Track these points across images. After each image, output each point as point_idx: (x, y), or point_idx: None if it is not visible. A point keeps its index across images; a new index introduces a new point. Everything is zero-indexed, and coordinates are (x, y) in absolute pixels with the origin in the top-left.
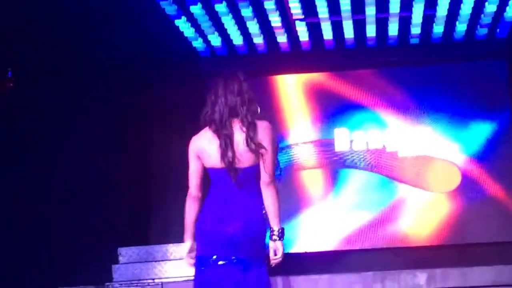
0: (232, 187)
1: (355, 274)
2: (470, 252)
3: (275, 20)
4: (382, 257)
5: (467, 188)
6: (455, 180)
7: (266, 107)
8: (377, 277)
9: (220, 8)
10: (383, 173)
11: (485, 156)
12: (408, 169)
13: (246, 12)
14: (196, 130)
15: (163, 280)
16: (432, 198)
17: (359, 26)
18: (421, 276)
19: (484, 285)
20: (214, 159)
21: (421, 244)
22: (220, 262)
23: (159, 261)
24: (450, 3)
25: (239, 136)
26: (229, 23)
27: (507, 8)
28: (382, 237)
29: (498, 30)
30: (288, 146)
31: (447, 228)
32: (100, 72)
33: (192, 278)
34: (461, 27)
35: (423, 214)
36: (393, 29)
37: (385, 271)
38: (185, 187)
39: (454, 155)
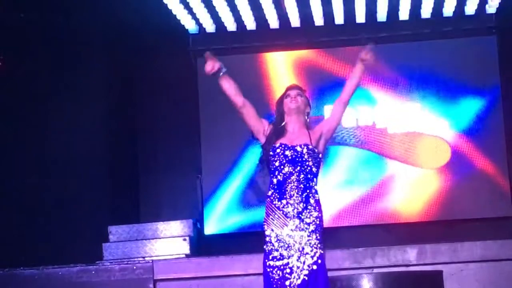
0: None
1: (345, 250)
2: (460, 227)
3: None
4: (372, 233)
5: (457, 164)
6: (445, 156)
7: (255, 85)
8: (367, 253)
9: None
10: (373, 149)
11: (475, 131)
12: (398, 146)
13: None
14: (186, 107)
15: (154, 258)
16: (422, 174)
17: (348, 2)
18: (411, 252)
19: (473, 260)
20: None
21: (411, 220)
22: None
23: (149, 239)
24: None
25: None
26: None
27: None
28: (372, 214)
29: (487, 5)
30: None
31: (437, 204)
32: (88, 49)
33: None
34: (450, 2)
35: (413, 190)
36: (382, 5)
37: (375, 247)
38: (176, 165)
39: (443, 131)
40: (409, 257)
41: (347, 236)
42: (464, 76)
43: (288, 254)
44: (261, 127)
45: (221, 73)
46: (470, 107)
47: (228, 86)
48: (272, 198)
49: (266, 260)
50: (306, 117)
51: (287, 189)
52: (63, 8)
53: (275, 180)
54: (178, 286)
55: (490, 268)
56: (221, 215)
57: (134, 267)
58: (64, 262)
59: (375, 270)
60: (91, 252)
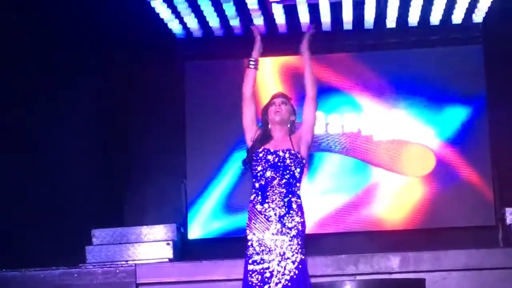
0: None
1: (328, 257)
2: (444, 236)
3: (251, 2)
4: (356, 240)
5: (442, 172)
6: (430, 164)
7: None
8: (350, 260)
9: None
10: (358, 156)
11: (460, 140)
12: (383, 153)
13: None
14: (172, 112)
15: (137, 262)
16: (406, 182)
17: (336, 9)
18: (394, 260)
19: (456, 269)
20: None
21: (395, 228)
22: None
23: (132, 243)
24: None
25: None
26: (205, 4)
27: None
28: (356, 221)
29: (474, 15)
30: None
31: (421, 212)
32: (76, 53)
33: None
34: (437, 11)
35: (398, 198)
36: (370, 12)
37: (359, 254)
38: (161, 169)
39: (429, 139)
40: (392, 264)
41: (331, 243)
42: (450, 84)
43: (269, 259)
44: (253, 128)
45: (254, 65)
46: (456, 116)
47: (251, 78)
48: (254, 202)
49: (247, 264)
50: (289, 125)
51: (269, 193)
52: (51, 13)
53: (257, 185)
54: None
55: (473, 277)
56: (205, 220)
57: (117, 271)
58: (47, 265)
59: (358, 277)
60: (74, 255)
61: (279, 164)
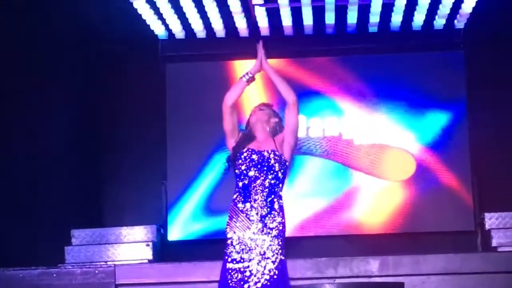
0: None
1: (308, 259)
2: (423, 240)
3: (234, 4)
4: (336, 244)
5: (422, 177)
6: (410, 168)
7: (224, 93)
8: (330, 263)
9: None
10: (338, 160)
11: (440, 145)
12: (363, 157)
13: None
14: (153, 113)
15: (116, 263)
16: (386, 186)
17: (318, 13)
18: (374, 263)
19: (435, 273)
20: None
21: (375, 231)
22: None
23: (112, 243)
24: None
25: None
26: (188, 6)
27: None
28: (336, 224)
29: (456, 21)
30: (244, 131)
31: (401, 217)
32: (56, 52)
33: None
34: (419, 17)
35: (378, 202)
36: (352, 17)
37: (338, 257)
38: (141, 170)
39: (409, 144)
40: (372, 268)
41: (311, 246)
42: (430, 90)
43: (249, 257)
44: (235, 134)
45: (248, 80)
46: (436, 120)
47: (240, 90)
48: (236, 201)
49: (226, 263)
50: (269, 128)
51: (251, 192)
52: (31, 12)
53: (240, 184)
54: None
55: (451, 281)
56: (185, 222)
57: (96, 271)
58: (26, 265)
59: (337, 280)
60: (53, 255)
61: (263, 164)
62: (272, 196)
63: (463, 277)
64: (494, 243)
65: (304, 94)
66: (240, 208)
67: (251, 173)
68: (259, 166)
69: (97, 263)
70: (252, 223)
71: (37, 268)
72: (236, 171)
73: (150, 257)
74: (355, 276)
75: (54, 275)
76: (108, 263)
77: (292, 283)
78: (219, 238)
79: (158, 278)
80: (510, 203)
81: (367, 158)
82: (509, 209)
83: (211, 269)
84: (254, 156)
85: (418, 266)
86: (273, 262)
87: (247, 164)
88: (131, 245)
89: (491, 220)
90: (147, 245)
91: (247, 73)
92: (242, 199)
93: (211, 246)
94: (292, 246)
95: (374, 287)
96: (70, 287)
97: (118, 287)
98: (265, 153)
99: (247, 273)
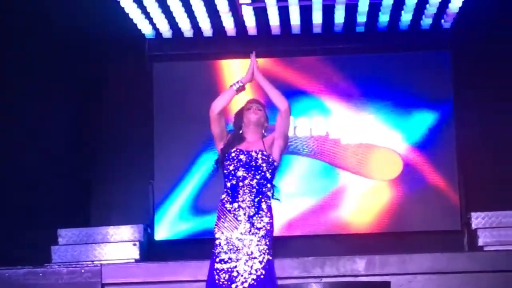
0: None
1: (294, 259)
2: (410, 240)
3: (221, 3)
4: (323, 243)
5: (408, 176)
6: (397, 168)
7: (211, 92)
8: (317, 262)
9: None
10: (325, 160)
11: (427, 145)
12: (350, 157)
13: None
14: (140, 112)
15: (102, 262)
16: (373, 186)
17: (306, 12)
18: (360, 262)
19: (421, 272)
20: None
21: (362, 231)
22: None
23: (99, 243)
24: None
25: None
26: (175, 5)
27: None
28: (323, 224)
29: (443, 20)
30: (230, 131)
31: (388, 216)
32: (44, 52)
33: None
34: (406, 16)
35: (365, 202)
36: (339, 16)
37: (325, 256)
38: (128, 169)
39: (396, 143)
40: (358, 267)
41: (298, 246)
42: (417, 89)
43: (236, 258)
44: (224, 137)
45: (238, 86)
46: (423, 120)
47: (229, 99)
48: (224, 201)
49: (214, 263)
50: (263, 131)
51: (239, 192)
52: (18, 12)
53: (228, 184)
54: None
55: (437, 280)
56: (172, 221)
57: (82, 271)
58: (12, 264)
59: (324, 280)
60: (40, 255)
61: (251, 164)
62: (260, 196)
63: (449, 276)
64: (480, 242)
65: (291, 93)
66: (228, 208)
67: (239, 173)
68: (247, 166)
69: (84, 263)
70: (240, 223)
71: (23, 268)
72: (225, 171)
73: (137, 256)
74: (341, 275)
75: (41, 274)
76: (94, 262)
77: (279, 282)
78: (206, 238)
79: (145, 278)
80: (496, 203)
81: (354, 157)
82: (495, 208)
83: (198, 268)
84: (242, 156)
85: (405, 265)
86: (260, 262)
87: (235, 164)
88: (117, 245)
89: (477, 219)
90: (134, 244)
91: (237, 82)
92: (230, 199)
93: (198, 246)
94: (279, 246)
95: (360, 286)
96: (56, 287)
97: (105, 286)
98: (253, 153)
99: (235, 273)
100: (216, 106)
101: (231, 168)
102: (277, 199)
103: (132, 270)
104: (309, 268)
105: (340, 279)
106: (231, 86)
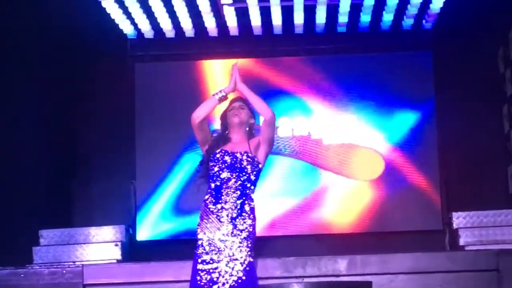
0: None
1: (276, 259)
2: (391, 239)
3: (203, 4)
4: (305, 243)
5: (390, 176)
6: (379, 168)
7: (193, 91)
8: (298, 262)
9: None
10: (307, 160)
11: (409, 145)
12: (332, 157)
13: None
14: (122, 112)
15: (84, 263)
16: (355, 186)
17: (287, 12)
18: (342, 262)
19: (403, 272)
20: None
21: (344, 231)
22: None
23: (81, 243)
24: None
25: None
26: (157, 5)
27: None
28: (305, 224)
29: (424, 21)
30: (215, 132)
31: (369, 216)
32: (25, 51)
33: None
34: (388, 17)
35: (346, 202)
36: (320, 17)
37: (306, 256)
38: (110, 170)
39: (378, 143)
40: (340, 267)
41: (279, 245)
42: (399, 89)
43: (218, 259)
44: (208, 140)
45: (220, 96)
46: (405, 120)
47: (211, 108)
48: (208, 202)
49: (196, 263)
50: (248, 128)
51: (223, 194)
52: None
53: (213, 185)
54: None
55: (419, 280)
56: (154, 222)
57: (64, 271)
58: None
59: (306, 280)
60: (21, 256)
61: (236, 165)
62: (243, 198)
63: (430, 276)
64: (461, 242)
65: (273, 93)
66: (211, 209)
67: (224, 175)
68: (231, 168)
69: (65, 263)
70: (223, 225)
71: (4, 269)
72: (209, 172)
73: (119, 257)
74: (323, 275)
75: (22, 275)
76: (76, 263)
77: (261, 282)
78: (188, 238)
79: (127, 278)
80: (478, 203)
81: (336, 157)
82: (476, 208)
83: (180, 269)
84: (226, 158)
85: (386, 265)
86: (242, 264)
87: (220, 165)
88: (99, 245)
89: (458, 219)
90: (116, 245)
91: (220, 91)
92: (214, 200)
93: (180, 246)
94: (261, 246)
95: (342, 286)
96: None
97: (86, 287)
98: (238, 155)
99: (216, 274)
100: (197, 115)
101: (215, 169)
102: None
103: (114, 271)
104: (290, 268)
105: (321, 279)
106: (214, 95)
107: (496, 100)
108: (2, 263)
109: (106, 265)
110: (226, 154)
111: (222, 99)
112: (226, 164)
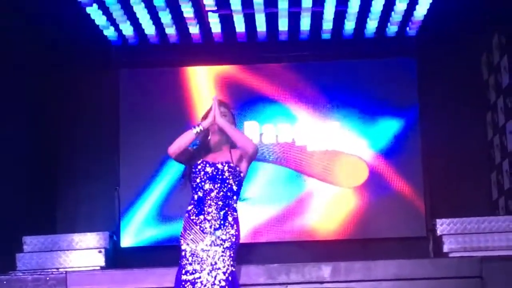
0: None
1: (259, 265)
2: (375, 246)
3: (187, 10)
4: (288, 250)
5: (374, 183)
6: (363, 175)
7: (177, 98)
8: (282, 269)
9: None
10: (291, 166)
11: (392, 152)
12: (316, 163)
13: (159, 1)
14: (106, 119)
15: (68, 270)
16: (339, 193)
17: (272, 19)
18: (326, 269)
19: (387, 279)
20: None
21: (327, 238)
22: None
23: (64, 250)
24: (361, 0)
25: None
26: (141, 12)
27: (417, 6)
28: (288, 231)
29: (408, 28)
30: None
31: (353, 223)
32: (7, 56)
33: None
34: (372, 24)
35: (330, 209)
36: (305, 23)
37: (290, 263)
38: (94, 176)
39: (362, 150)
40: (323, 274)
41: (263, 252)
42: (383, 96)
43: (200, 268)
44: (190, 158)
45: (198, 130)
46: (389, 127)
47: (188, 142)
48: (190, 213)
49: (181, 275)
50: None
51: (206, 205)
52: None
53: (196, 196)
54: None
55: (403, 287)
56: (138, 228)
57: (47, 278)
58: None
59: (289, 287)
60: (4, 263)
61: (217, 177)
62: (226, 209)
63: (414, 283)
64: (445, 249)
65: (257, 100)
66: (194, 221)
67: (206, 186)
68: (213, 179)
69: (49, 270)
70: (206, 236)
71: None
72: (192, 183)
73: (103, 263)
74: (307, 282)
75: (5, 282)
76: (60, 270)
77: None
78: (171, 245)
79: (110, 285)
80: (461, 209)
81: (320, 164)
82: (460, 215)
83: (163, 275)
84: (208, 169)
85: (370, 272)
86: (224, 273)
87: (202, 177)
88: (83, 252)
89: (442, 226)
90: (100, 251)
91: (198, 125)
92: (196, 212)
93: (163, 253)
94: (245, 252)
95: None
96: None
97: None
98: (219, 165)
99: (198, 284)
100: (173, 151)
101: (198, 180)
102: (244, 199)
103: (98, 277)
104: (274, 275)
105: (305, 286)
106: (191, 129)
107: (480, 107)
108: None
109: (90, 272)
110: (208, 165)
111: (200, 133)
112: (207, 176)
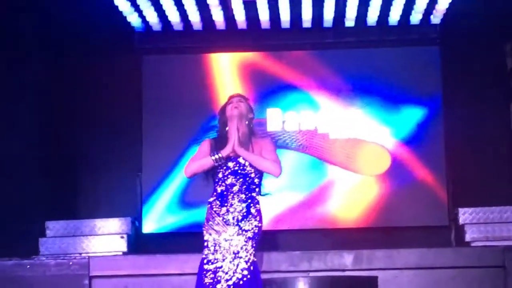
0: None
1: (281, 253)
2: (397, 235)
3: None
4: (311, 237)
5: (396, 172)
6: (385, 163)
7: (199, 85)
8: (304, 257)
9: None
10: (314, 154)
11: (415, 140)
12: (338, 151)
13: None
14: (129, 105)
15: (90, 255)
16: (361, 181)
17: (296, 6)
18: (348, 257)
19: (408, 267)
20: None
21: (350, 226)
22: None
23: (86, 235)
24: None
25: None
26: None
27: None
28: (311, 218)
29: (432, 16)
30: (215, 127)
31: (375, 211)
32: (30, 43)
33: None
34: (395, 11)
35: (352, 197)
36: (329, 11)
37: (312, 251)
38: (117, 162)
39: (384, 138)
40: (346, 262)
41: (285, 240)
42: (406, 84)
43: (222, 258)
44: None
45: (216, 158)
46: (411, 115)
47: (203, 169)
48: (213, 204)
49: (203, 264)
50: (247, 122)
51: (228, 198)
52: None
53: (218, 189)
54: (113, 283)
55: (424, 276)
56: (160, 214)
57: (70, 263)
58: (0, 256)
59: (311, 274)
60: (27, 247)
61: (239, 171)
62: (249, 201)
63: (436, 272)
64: (467, 238)
65: (280, 87)
66: (217, 212)
67: (229, 181)
68: (235, 174)
69: (71, 255)
70: (229, 227)
71: (10, 259)
72: (215, 177)
73: (125, 249)
74: (329, 269)
75: (28, 266)
76: (82, 255)
77: (266, 276)
78: (194, 231)
79: (132, 270)
80: (484, 199)
81: (343, 152)
82: (482, 204)
83: (185, 261)
84: (230, 164)
85: (392, 260)
86: (246, 262)
87: (223, 171)
88: (105, 237)
89: (464, 215)
90: (122, 237)
91: (217, 153)
92: (219, 204)
93: (185, 239)
94: (267, 240)
95: (347, 281)
96: (43, 279)
97: (92, 279)
98: (241, 160)
99: (220, 273)
100: (189, 172)
101: (220, 175)
102: (267, 194)
103: (120, 263)
104: (296, 262)
105: (327, 274)
106: (210, 156)
107: (503, 96)
108: (8, 254)
109: (112, 257)
110: (229, 159)
111: (218, 160)
112: (230, 170)
